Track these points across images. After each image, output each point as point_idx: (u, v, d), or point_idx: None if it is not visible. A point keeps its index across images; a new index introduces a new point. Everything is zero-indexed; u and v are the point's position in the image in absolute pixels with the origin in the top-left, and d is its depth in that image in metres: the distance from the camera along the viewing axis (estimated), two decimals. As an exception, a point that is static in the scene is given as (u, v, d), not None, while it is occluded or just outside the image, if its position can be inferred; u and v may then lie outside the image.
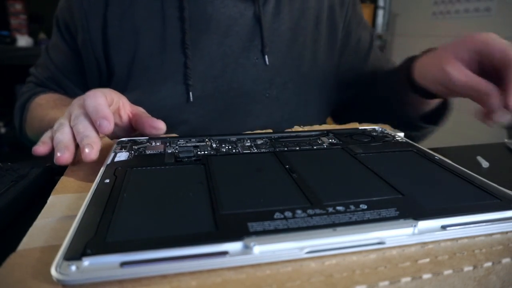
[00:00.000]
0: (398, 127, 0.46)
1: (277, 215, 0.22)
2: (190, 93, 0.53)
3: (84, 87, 0.57)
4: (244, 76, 0.55)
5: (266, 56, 0.56)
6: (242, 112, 0.56)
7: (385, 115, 0.52)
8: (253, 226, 0.21)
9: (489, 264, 0.21)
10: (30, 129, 0.58)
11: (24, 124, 0.60)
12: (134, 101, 0.53)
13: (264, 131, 0.42)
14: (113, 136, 0.40)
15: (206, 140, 0.37)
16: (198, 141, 0.37)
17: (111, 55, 0.53)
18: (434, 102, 0.51)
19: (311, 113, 0.61)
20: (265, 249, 0.20)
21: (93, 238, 0.20)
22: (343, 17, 0.62)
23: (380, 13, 2.42)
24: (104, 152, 0.36)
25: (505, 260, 0.21)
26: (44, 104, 0.55)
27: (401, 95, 0.53)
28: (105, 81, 0.56)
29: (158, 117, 0.53)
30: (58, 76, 0.58)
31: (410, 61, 0.50)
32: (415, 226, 0.22)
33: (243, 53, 0.55)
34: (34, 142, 0.48)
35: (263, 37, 0.55)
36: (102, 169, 0.30)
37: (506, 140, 0.55)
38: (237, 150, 0.35)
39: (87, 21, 0.52)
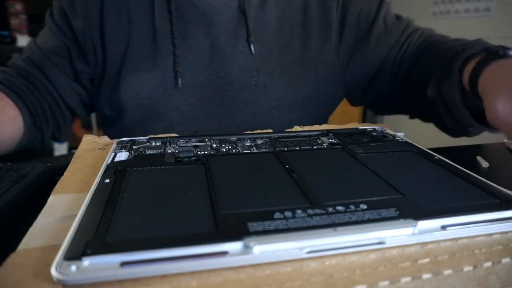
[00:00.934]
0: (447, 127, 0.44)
1: (277, 215, 0.22)
2: (179, 79, 0.55)
3: (71, 73, 0.57)
4: (231, 65, 0.57)
5: (251, 45, 0.57)
6: (230, 99, 0.57)
7: (429, 112, 0.50)
8: (253, 226, 0.21)
9: (489, 264, 0.21)
10: None
11: None
12: (127, 88, 0.55)
13: (264, 131, 0.42)
14: None
15: (206, 140, 0.37)
16: (198, 141, 0.37)
17: (106, 44, 0.55)
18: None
19: (302, 98, 0.60)
20: (265, 249, 0.20)
21: (93, 238, 0.20)
22: (336, 8, 0.60)
23: (380, 13, 2.41)
24: (104, 152, 0.36)
25: (505, 260, 0.21)
26: None
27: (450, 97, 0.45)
28: (100, 69, 0.57)
29: (149, 105, 0.56)
30: (40, 58, 0.55)
31: (476, 72, 0.39)
32: (415, 226, 0.22)
33: (229, 42, 0.56)
34: None
35: (248, 27, 0.56)
36: (102, 169, 0.30)
37: (506, 140, 0.55)
38: (237, 150, 0.35)
39: (86, 9, 0.54)
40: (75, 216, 0.22)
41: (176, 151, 0.34)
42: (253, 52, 0.57)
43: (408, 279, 0.19)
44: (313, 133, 0.41)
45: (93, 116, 2.06)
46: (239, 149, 0.35)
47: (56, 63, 0.56)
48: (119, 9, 0.54)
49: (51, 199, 0.27)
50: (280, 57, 0.59)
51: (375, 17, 0.60)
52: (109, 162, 0.31)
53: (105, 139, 0.40)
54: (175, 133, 0.56)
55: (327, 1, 0.60)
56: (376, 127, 0.44)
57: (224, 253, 0.19)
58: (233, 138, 0.38)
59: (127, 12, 0.54)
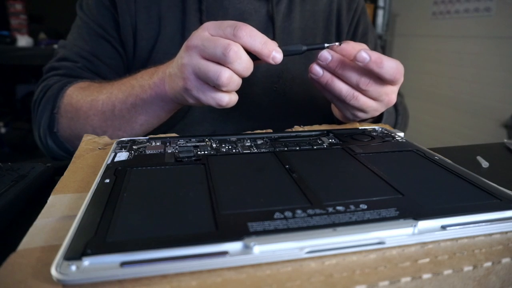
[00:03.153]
0: None
1: (277, 215, 0.22)
2: None
3: (117, 71, 0.58)
4: (255, 69, 0.57)
5: None
6: (250, 103, 0.59)
7: None
8: (253, 226, 0.21)
9: (489, 264, 0.21)
10: (75, 116, 0.50)
11: (58, 117, 0.52)
12: None
13: (264, 131, 0.42)
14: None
15: (206, 140, 0.37)
16: (198, 141, 0.37)
17: (137, 40, 0.56)
18: None
19: (320, 107, 0.63)
20: (265, 249, 0.20)
21: (93, 238, 0.20)
22: (349, 21, 0.65)
23: (380, 13, 2.42)
24: (104, 152, 0.36)
25: (505, 260, 0.21)
26: (93, 86, 0.51)
27: None
28: (128, 64, 0.58)
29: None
30: (94, 62, 0.56)
31: None
32: (415, 226, 0.22)
33: None
34: (61, 146, 0.49)
35: (274, 34, 0.58)
36: (102, 169, 0.30)
37: (506, 140, 0.55)
38: (237, 150, 0.35)
39: (127, 5, 0.55)
40: (75, 216, 0.22)
41: (176, 151, 0.34)
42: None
43: (408, 279, 0.19)
44: (313, 133, 0.41)
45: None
46: (239, 149, 0.35)
47: (106, 62, 0.57)
48: (150, 5, 0.55)
49: (51, 199, 0.27)
50: (301, 67, 0.61)
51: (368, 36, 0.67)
52: (109, 162, 0.31)
53: (105, 139, 0.40)
54: (194, 131, 0.57)
55: (342, 24, 0.64)
56: (376, 127, 0.44)
57: (224, 253, 0.19)
58: (233, 138, 0.38)
59: (157, 9, 0.55)
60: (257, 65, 0.57)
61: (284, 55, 0.38)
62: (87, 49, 0.56)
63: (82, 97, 0.49)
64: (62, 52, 0.58)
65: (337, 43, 0.40)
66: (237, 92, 0.58)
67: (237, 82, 0.37)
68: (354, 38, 0.66)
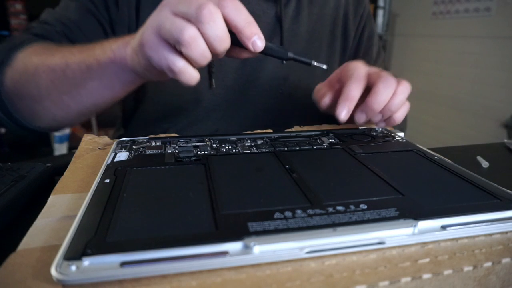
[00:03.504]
0: None
1: (277, 215, 0.22)
2: (213, 80, 0.55)
3: None
4: (261, 71, 0.58)
5: None
6: (255, 104, 0.59)
7: None
8: (253, 226, 0.21)
9: (489, 264, 0.21)
10: (24, 71, 0.44)
11: (7, 68, 0.45)
12: (158, 82, 0.53)
13: (264, 131, 0.42)
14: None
15: (206, 140, 0.37)
16: (198, 141, 0.37)
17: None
18: None
19: (324, 112, 0.63)
20: (265, 249, 0.20)
21: (93, 238, 0.20)
22: (355, 26, 0.65)
23: (380, 13, 2.42)
24: (104, 152, 0.36)
25: (505, 260, 0.21)
26: (56, 46, 0.46)
27: None
28: None
29: (178, 102, 0.56)
30: (75, 32, 0.51)
31: None
32: (415, 226, 0.22)
33: None
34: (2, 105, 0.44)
35: (282, 36, 0.58)
36: (102, 169, 0.30)
37: (506, 140, 0.55)
38: (237, 150, 0.35)
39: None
40: (75, 216, 0.22)
41: (176, 151, 0.34)
42: (284, 61, 0.59)
43: (408, 279, 0.19)
44: (313, 133, 0.41)
45: (93, 116, 2.06)
46: (239, 149, 0.35)
47: (90, 37, 0.52)
48: (157, 3, 0.53)
49: (51, 199, 0.27)
50: (307, 70, 0.61)
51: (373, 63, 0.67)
52: (109, 162, 0.31)
53: (105, 139, 0.40)
54: (197, 129, 0.57)
55: (348, 28, 0.64)
56: (376, 127, 0.44)
57: (224, 253, 0.19)
58: (233, 138, 0.38)
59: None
60: (262, 68, 0.58)
61: (265, 52, 0.35)
62: (72, 18, 0.52)
63: (40, 53, 0.44)
64: (44, 16, 0.53)
65: (324, 66, 0.40)
66: (243, 93, 0.59)
67: (202, 49, 0.31)
68: (360, 43, 0.66)
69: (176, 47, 0.31)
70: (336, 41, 0.64)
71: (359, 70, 0.42)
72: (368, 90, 0.41)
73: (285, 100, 0.60)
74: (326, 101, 0.45)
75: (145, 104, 0.58)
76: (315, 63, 0.39)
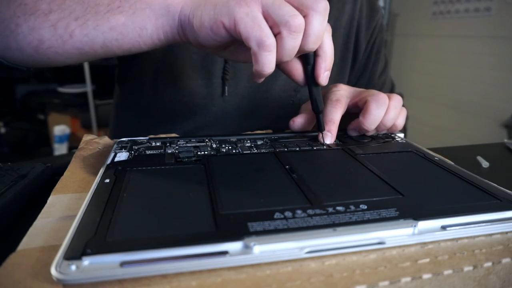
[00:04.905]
0: None
1: (277, 215, 0.22)
2: (226, 87, 0.56)
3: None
4: (273, 82, 0.58)
5: None
6: (265, 114, 0.59)
7: None
8: (253, 226, 0.21)
9: (489, 264, 0.21)
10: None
11: None
12: (175, 78, 0.54)
13: (264, 131, 0.42)
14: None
15: (206, 140, 0.37)
16: (198, 142, 0.37)
17: None
18: None
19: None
20: (265, 249, 0.20)
21: (93, 238, 0.20)
22: (367, 39, 0.65)
23: (380, 13, 2.42)
24: (104, 152, 0.36)
25: (505, 260, 0.21)
26: None
27: None
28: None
29: (189, 104, 0.55)
30: None
31: None
32: (415, 226, 0.22)
33: None
34: None
35: None
36: (102, 169, 0.30)
37: (506, 140, 0.55)
38: (237, 151, 0.35)
39: None
40: (75, 216, 0.22)
41: (176, 151, 0.34)
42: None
43: (408, 279, 0.19)
44: (313, 133, 0.41)
45: (93, 116, 2.06)
46: (239, 149, 0.35)
47: None
48: None
49: (51, 199, 0.27)
50: None
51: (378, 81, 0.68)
52: (109, 162, 0.31)
53: (105, 139, 0.40)
54: (208, 131, 0.58)
55: (360, 40, 0.64)
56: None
57: (224, 253, 0.19)
58: (233, 139, 0.38)
59: None
60: (274, 78, 0.57)
61: (310, 90, 0.36)
62: None
63: None
64: None
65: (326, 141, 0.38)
66: (254, 103, 0.59)
67: (299, 42, 0.30)
68: (369, 56, 0.66)
69: (274, 28, 0.30)
70: (348, 53, 0.63)
71: (339, 92, 0.41)
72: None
73: (295, 110, 0.60)
74: (299, 121, 0.42)
75: (156, 99, 0.57)
76: (321, 135, 0.38)
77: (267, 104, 0.59)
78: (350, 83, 0.67)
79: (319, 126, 0.37)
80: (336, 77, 0.63)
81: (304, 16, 0.30)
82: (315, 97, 0.36)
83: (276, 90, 0.59)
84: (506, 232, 0.23)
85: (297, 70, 0.35)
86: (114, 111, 0.66)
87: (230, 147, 0.35)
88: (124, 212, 0.23)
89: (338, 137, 0.39)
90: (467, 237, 0.23)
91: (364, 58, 0.66)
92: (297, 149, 0.36)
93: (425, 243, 0.22)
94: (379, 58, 0.67)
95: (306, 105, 0.44)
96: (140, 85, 0.59)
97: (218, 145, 0.36)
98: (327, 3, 0.31)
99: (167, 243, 0.19)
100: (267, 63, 0.30)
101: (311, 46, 0.31)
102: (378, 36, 0.67)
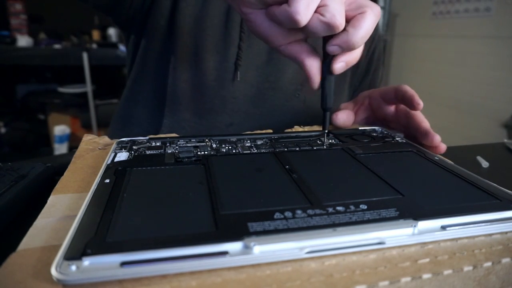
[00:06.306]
0: None
1: (277, 215, 0.22)
2: (238, 73, 0.57)
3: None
4: (282, 73, 0.60)
5: None
6: (271, 105, 0.60)
7: None
8: (253, 226, 0.21)
9: (489, 264, 0.21)
10: None
11: None
12: (187, 55, 0.56)
13: (264, 131, 0.42)
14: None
15: (206, 140, 0.37)
16: (198, 141, 0.37)
17: (177, 17, 0.55)
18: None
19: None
20: (265, 249, 0.20)
21: (93, 238, 0.20)
22: (368, 43, 0.66)
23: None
24: (104, 152, 0.36)
25: (505, 260, 0.21)
26: None
27: None
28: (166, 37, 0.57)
29: (201, 82, 0.57)
30: None
31: None
32: (415, 226, 0.22)
33: None
34: None
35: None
36: (102, 169, 0.30)
37: (506, 140, 0.55)
38: (237, 151, 0.35)
39: None
40: (75, 216, 0.22)
41: (176, 151, 0.34)
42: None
43: (408, 279, 0.19)
44: (313, 133, 0.41)
45: (93, 116, 2.07)
46: (239, 149, 0.35)
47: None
48: None
49: (51, 199, 0.27)
50: None
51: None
52: (109, 162, 0.31)
53: (105, 139, 0.40)
54: (211, 119, 0.58)
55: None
56: (376, 128, 0.44)
57: (224, 253, 0.19)
58: (233, 139, 0.38)
59: None
60: (283, 70, 0.59)
61: (322, 83, 0.36)
62: None
63: None
64: None
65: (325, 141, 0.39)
66: (261, 92, 0.60)
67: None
68: (370, 62, 0.67)
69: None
70: None
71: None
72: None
73: (300, 104, 0.62)
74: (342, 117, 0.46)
75: (171, 77, 0.58)
76: (321, 139, 0.39)
77: (273, 94, 0.60)
78: (351, 88, 0.68)
79: (323, 124, 0.37)
80: (337, 79, 0.63)
81: (360, 13, 0.32)
82: (326, 92, 0.36)
83: (283, 81, 0.60)
84: (506, 232, 0.23)
85: (313, 64, 0.35)
86: (126, 90, 0.66)
87: (230, 147, 0.35)
88: (124, 212, 0.23)
89: (338, 137, 0.40)
90: (467, 237, 0.23)
91: (365, 63, 0.67)
92: (297, 149, 0.36)
93: (425, 243, 0.22)
94: (379, 66, 0.68)
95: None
96: (160, 63, 0.60)
97: (218, 145, 0.36)
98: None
99: (167, 243, 0.19)
100: (339, 11, 0.29)
101: (358, 40, 0.31)
102: (378, 44, 0.68)
